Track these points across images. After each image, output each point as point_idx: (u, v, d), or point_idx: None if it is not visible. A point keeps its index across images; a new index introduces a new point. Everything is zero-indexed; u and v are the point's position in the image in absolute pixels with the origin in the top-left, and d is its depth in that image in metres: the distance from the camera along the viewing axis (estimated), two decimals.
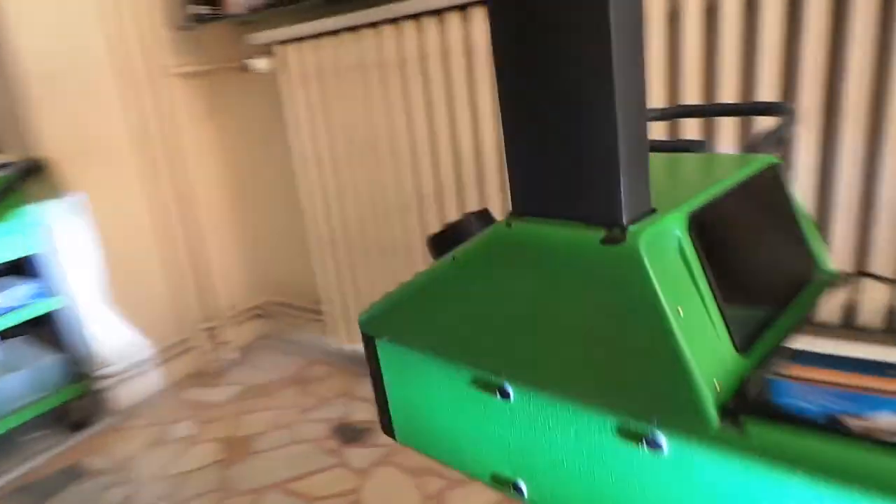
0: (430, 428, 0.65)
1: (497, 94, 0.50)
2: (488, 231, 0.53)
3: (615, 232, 0.45)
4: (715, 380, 0.44)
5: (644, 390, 0.46)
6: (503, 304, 0.53)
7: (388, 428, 0.71)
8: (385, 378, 0.67)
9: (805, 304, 0.55)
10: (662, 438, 0.46)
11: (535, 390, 0.53)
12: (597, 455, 0.51)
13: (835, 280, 0.59)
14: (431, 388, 0.62)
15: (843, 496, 0.39)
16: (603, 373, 0.48)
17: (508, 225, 0.51)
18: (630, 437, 0.48)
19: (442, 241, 0.68)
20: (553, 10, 0.43)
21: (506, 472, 0.59)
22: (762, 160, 0.59)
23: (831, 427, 0.41)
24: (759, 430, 0.42)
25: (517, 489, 0.59)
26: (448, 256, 0.57)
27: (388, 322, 0.64)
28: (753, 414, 0.42)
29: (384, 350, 0.66)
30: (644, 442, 0.47)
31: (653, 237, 0.45)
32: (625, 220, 0.46)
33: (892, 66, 0.84)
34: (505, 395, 0.55)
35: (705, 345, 0.45)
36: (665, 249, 0.46)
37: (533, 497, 0.58)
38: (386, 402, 0.69)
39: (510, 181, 0.50)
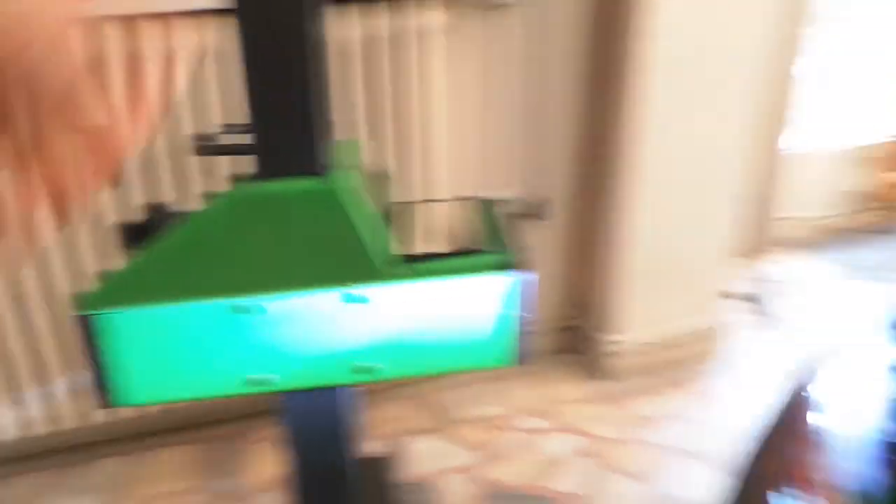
0: (175, 374, 0.78)
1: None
2: (227, 192, 0.74)
3: (322, 179, 0.75)
4: (380, 251, 0.79)
5: (352, 268, 0.77)
6: (245, 244, 0.75)
7: (111, 399, 0.78)
8: (113, 349, 0.76)
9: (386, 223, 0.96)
10: (367, 290, 0.78)
11: (281, 297, 0.77)
12: (328, 320, 0.79)
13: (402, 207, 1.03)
14: (180, 335, 0.76)
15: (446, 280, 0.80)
16: (328, 266, 0.77)
17: (244, 187, 0.74)
18: (351, 299, 0.78)
19: (139, 229, 0.82)
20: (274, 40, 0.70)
21: (259, 374, 0.80)
22: (356, 141, 0.98)
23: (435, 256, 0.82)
24: (405, 269, 0.80)
25: (269, 383, 0.81)
26: (182, 219, 0.74)
27: (124, 293, 0.74)
28: (416, 262, 0.80)
29: (111, 322, 0.75)
30: (357, 299, 0.78)
31: (341, 181, 0.77)
32: (325, 173, 0.76)
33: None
34: (254, 311, 0.77)
35: (374, 238, 0.80)
36: (346, 189, 0.78)
37: (284, 383, 0.81)
38: (107, 375, 0.77)
39: (256, 158, 0.74)
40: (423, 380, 1.75)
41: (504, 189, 1.61)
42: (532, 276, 0.82)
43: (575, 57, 1.58)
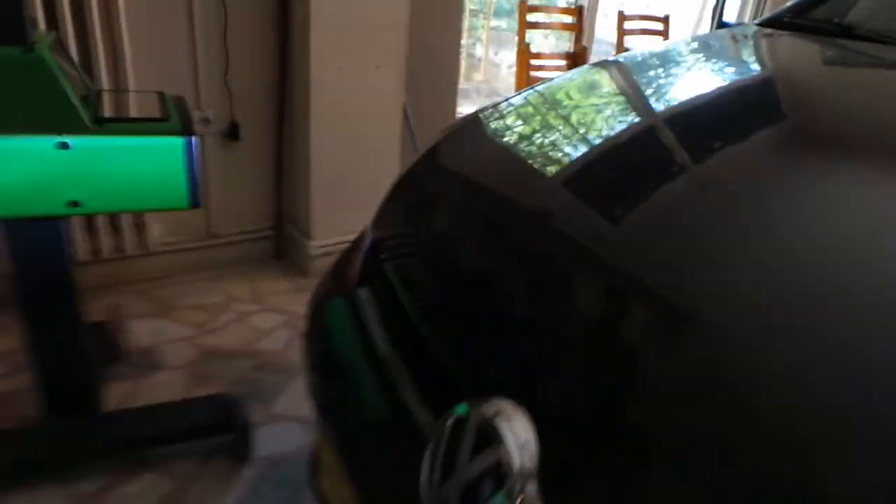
0: None
1: None
2: None
3: (30, 47, 1.05)
4: (83, 110, 1.12)
5: (63, 121, 1.08)
6: None
7: None
8: None
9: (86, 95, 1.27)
10: (74, 140, 1.10)
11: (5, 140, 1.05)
12: (44, 163, 1.09)
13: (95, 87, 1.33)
14: None
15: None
16: (44, 119, 1.07)
17: None
18: (62, 146, 1.09)
19: None
20: None
21: None
22: (46, 35, 1.26)
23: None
24: (107, 126, 1.13)
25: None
26: None
27: None
28: (112, 122, 1.13)
29: None
30: (65, 146, 1.10)
31: (45, 47, 1.08)
32: (32, 49, 1.06)
33: None
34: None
35: (77, 97, 1.11)
36: (53, 60, 1.09)
37: (7, 210, 1.09)
38: None
39: None
40: (147, 276, 2.03)
41: (206, 110, 1.97)
42: (196, 140, 1.20)
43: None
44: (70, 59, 1.33)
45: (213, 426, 1.36)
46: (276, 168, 2.20)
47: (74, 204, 1.15)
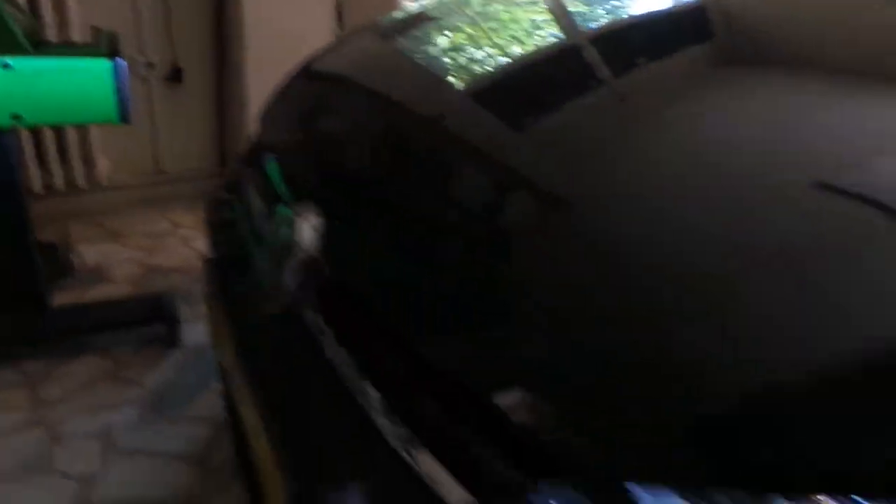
0: None
1: None
2: None
3: None
4: (23, 36, 1.31)
5: (3, 44, 1.27)
6: None
7: None
8: None
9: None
10: (14, 60, 1.29)
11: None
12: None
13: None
14: None
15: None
16: None
17: None
18: (3, 66, 1.28)
19: None
20: None
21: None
22: None
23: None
24: (44, 50, 1.32)
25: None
26: None
27: None
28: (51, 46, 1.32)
29: None
30: (7, 66, 1.29)
31: None
32: None
33: None
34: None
35: (18, 27, 1.30)
36: None
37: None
38: None
39: None
40: (99, 209, 2.23)
41: (150, 54, 2.15)
42: (122, 62, 1.40)
43: None
44: (14, 2, 1.50)
45: (147, 318, 1.58)
46: (218, 108, 2.39)
47: (16, 117, 1.34)
